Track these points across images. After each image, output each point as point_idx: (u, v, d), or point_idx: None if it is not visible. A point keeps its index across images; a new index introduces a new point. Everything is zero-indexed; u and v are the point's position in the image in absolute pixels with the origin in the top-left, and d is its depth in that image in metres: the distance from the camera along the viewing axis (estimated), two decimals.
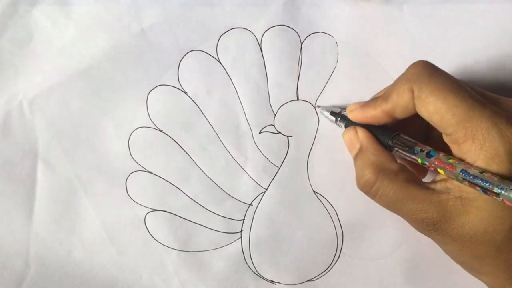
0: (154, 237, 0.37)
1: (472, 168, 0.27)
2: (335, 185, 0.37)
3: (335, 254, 0.37)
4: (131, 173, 0.37)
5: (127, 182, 0.37)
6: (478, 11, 0.37)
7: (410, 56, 0.37)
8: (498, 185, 0.25)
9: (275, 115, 0.37)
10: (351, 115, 0.33)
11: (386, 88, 0.34)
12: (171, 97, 0.37)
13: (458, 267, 0.32)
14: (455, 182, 0.28)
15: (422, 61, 0.30)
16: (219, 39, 0.37)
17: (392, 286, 0.37)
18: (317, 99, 0.37)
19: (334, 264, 0.37)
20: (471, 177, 0.27)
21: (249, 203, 0.37)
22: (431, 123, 0.29)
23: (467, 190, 0.28)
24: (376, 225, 0.37)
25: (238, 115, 0.37)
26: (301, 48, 0.37)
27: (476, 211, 0.28)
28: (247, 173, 0.37)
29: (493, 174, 0.26)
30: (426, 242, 0.37)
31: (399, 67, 0.37)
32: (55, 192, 0.37)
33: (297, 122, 0.37)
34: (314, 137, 0.37)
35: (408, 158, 0.31)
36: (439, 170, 0.29)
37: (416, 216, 0.29)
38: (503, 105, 0.30)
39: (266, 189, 0.37)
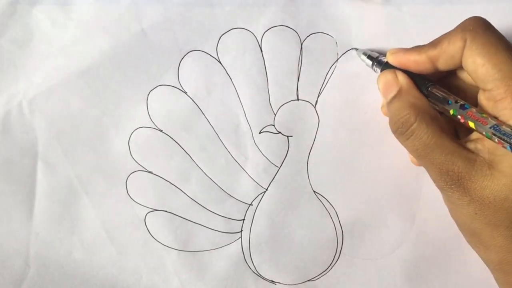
0: (154, 237, 0.37)
1: (504, 126, 0.27)
2: (335, 185, 0.37)
3: (335, 254, 0.37)
4: (131, 173, 0.37)
5: (127, 182, 0.37)
6: (478, 11, 0.37)
7: None
8: None
9: (275, 115, 0.37)
10: (392, 57, 0.33)
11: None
12: (171, 97, 0.37)
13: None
14: (486, 144, 0.29)
15: (478, 16, 0.31)
16: (219, 39, 0.37)
17: (392, 286, 0.37)
18: (317, 99, 0.37)
19: (334, 264, 0.37)
20: (502, 133, 0.27)
21: (249, 203, 0.37)
22: (473, 76, 0.29)
23: (496, 153, 0.28)
24: (376, 225, 0.37)
25: (238, 115, 0.37)
26: (301, 48, 0.37)
27: (501, 176, 0.28)
28: (247, 173, 0.37)
29: None
30: (426, 242, 0.37)
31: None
32: (55, 192, 0.37)
33: (297, 122, 0.37)
34: (314, 137, 0.37)
35: (441, 110, 0.31)
36: (470, 123, 0.29)
37: (442, 166, 0.29)
38: None
39: (266, 189, 0.37)
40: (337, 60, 0.37)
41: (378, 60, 0.35)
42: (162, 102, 0.37)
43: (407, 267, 0.37)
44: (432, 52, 0.31)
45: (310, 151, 0.37)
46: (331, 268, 0.37)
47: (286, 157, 0.37)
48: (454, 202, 0.30)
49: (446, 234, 0.36)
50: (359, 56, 0.37)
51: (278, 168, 0.37)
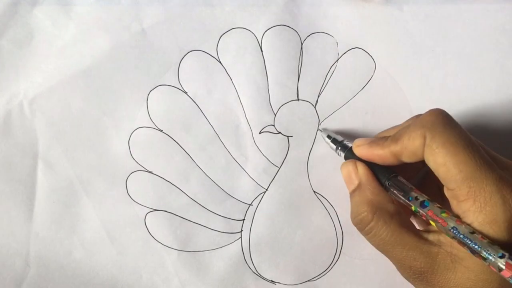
0: (154, 237, 0.37)
1: (464, 226, 0.27)
2: (335, 185, 0.37)
3: (335, 254, 0.37)
4: (131, 173, 0.37)
5: (127, 182, 0.37)
6: (478, 11, 0.37)
7: (410, 56, 0.37)
8: (487, 250, 0.25)
9: (275, 115, 0.37)
10: (357, 150, 0.33)
11: (395, 127, 0.34)
12: (171, 97, 0.37)
13: None
14: (449, 237, 0.28)
15: (439, 109, 0.30)
16: (219, 39, 0.37)
17: (392, 286, 0.37)
18: (317, 99, 0.37)
19: (334, 264, 0.37)
20: (461, 236, 0.26)
21: (249, 203, 0.37)
22: (436, 174, 0.29)
23: (458, 247, 0.28)
24: None
25: (238, 115, 0.37)
26: (301, 48, 0.37)
27: (464, 270, 0.27)
28: (247, 173, 0.37)
29: (484, 237, 0.26)
30: None
31: (399, 67, 0.37)
32: (55, 192, 0.37)
33: (297, 122, 0.37)
34: (314, 137, 0.37)
35: (403, 202, 0.31)
36: (431, 221, 0.29)
37: (404, 262, 0.29)
38: None
39: (266, 189, 0.37)
40: (337, 60, 0.37)
41: (342, 145, 0.35)
42: (162, 102, 0.37)
43: None
44: (394, 148, 0.30)
45: (310, 151, 0.37)
46: (331, 268, 0.37)
47: (286, 157, 0.37)
48: None
49: None
50: (324, 139, 0.36)
51: (278, 168, 0.37)
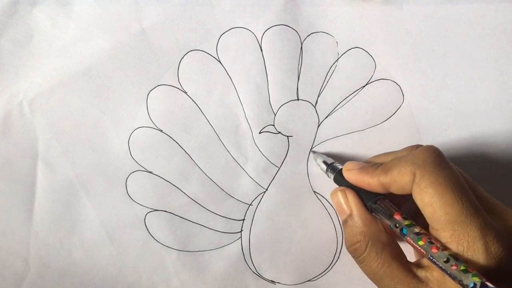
0: (154, 237, 0.37)
1: (439, 252, 0.27)
2: (335, 185, 0.37)
3: (335, 254, 0.37)
4: (131, 173, 0.37)
5: (127, 182, 0.37)
6: (478, 11, 0.37)
7: (410, 56, 0.37)
8: (460, 278, 0.26)
9: (275, 115, 0.37)
10: (347, 174, 0.33)
11: (389, 153, 0.34)
12: (171, 97, 0.37)
13: None
14: (435, 275, 0.28)
15: (432, 147, 0.30)
16: (219, 39, 0.37)
17: None
18: (317, 99, 0.37)
19: (334, 264, 0.37)
20: (439, 264, 0.27)
21: (249, 203, 0.37)
22: (422, 211, 0.29)
23: (443, 285, 0.28)
24: None
25: (238, 115, 0.37)
26: (301, 48, 0.37)
27: None
28: (247, 173, 0.37)
29: (457, 264, 0.26)
30: None
31: (399, 67, 0.37)
32: (55, 192, 0.37)
33: (297, 122, 0.37)
34: (314, 137, 0.37)
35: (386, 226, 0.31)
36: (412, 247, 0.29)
37: None
38: (501, 215, 0.29)
39: (266, 189, 0.37)
40: (337, 60, 0.37)
41: (332, 167, 0.35)
42: (162, 102, 0.37)
43: None
44: (384, 179, 0.30)
45: (310, 151, 0.37)
46: (331, 268, 0.37)
47: (286, 157, 0.37)
48: None
49: None
50: (315, 160, 0.37)
51: (278, 168, 0.37)
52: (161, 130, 0.37)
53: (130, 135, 0.37)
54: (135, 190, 0.37)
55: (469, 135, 0.37)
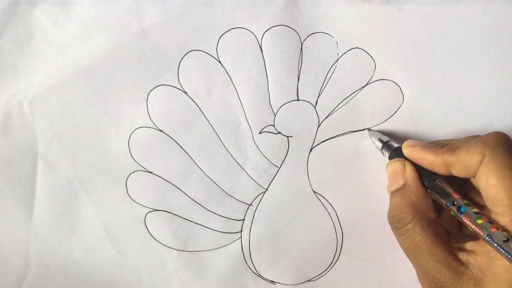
0: (154, 237, 0.37)
1: (499, 232, 0.27)
2: (335, 185, 0.37)
3: (335, 254, 0.37)
4: (131, 173, 0.37)
5: (127, 182, 0.37)
6: (478, 11, 0.37)
7: (410, 56, 0.37)
8: None
9: (275, 115, 0.37)
10: (408, 150, 0.33)
11: (448, 140, 0.34)
12: (171, 97, 0.37)
13: None
14: (478, 260, 0.28)
15: (504, 133, 0.30)
16: (219, 39, 0.37)
17: (392, 286, 0.37)
18: (317, 99, 0.37)
19: (334, 264, 0.37)
20: (494, 244, 0.27)
21: (249, 203, 0.37)
22: (483, 193, 0.29)
23: (486, 273, 0.28)
24: (376, 225, 0.37)
25: (238, 115, 0.37)
26: (301, 48, 0.37)
27: None
28: (247, 173, 0.37)
29: None
30: None
31: (400, 67, 0.37)
32: (55, 192, 0.37)
33: (297, 122, 0.37)
34: (314, 137, 0.37)
35: (441, 204, 0.31)
36: (468, 227, 0.29)
37: (428, 271, 0.30)
38: None
39: (266, 189, 0.37)
40: (337, 60, 0.37)
41: (388, 145, 0.35)
42: (162, 102, 0.37)
43: (407, 267, 0.37)
44: (449, 158, 0.30)
45: (310, 151, 0.37)
46: (331, 268, 0.37)
47: (286, 157, 0.37)
48: None
49: None
50: (370, 138, 0.36)
51: (278, 168, 0.37)
52: (161, 130, 0.37)
53: (130, 135, 0.37)
54: (135, 190, 0.37)
55: (469, 135, 0.37)
